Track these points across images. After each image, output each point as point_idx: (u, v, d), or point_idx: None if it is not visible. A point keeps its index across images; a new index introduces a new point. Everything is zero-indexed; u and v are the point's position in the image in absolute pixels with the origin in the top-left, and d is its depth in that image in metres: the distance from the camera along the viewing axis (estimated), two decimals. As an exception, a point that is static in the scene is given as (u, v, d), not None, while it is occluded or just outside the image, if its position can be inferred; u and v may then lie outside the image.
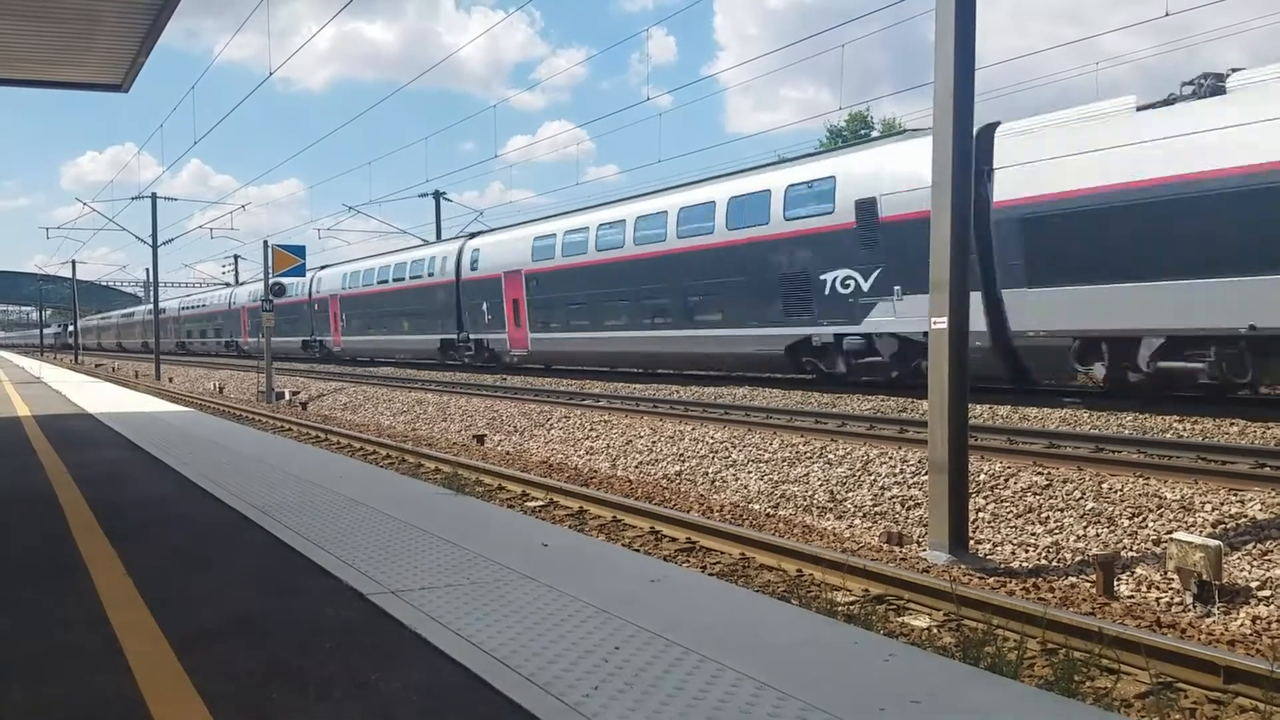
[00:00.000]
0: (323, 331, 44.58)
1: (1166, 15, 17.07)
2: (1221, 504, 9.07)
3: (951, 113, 8.91)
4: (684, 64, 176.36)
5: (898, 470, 11.87)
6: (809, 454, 13.27)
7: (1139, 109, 13.65)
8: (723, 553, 8.93)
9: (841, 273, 18.12)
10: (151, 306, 54.61)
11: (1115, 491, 9.80)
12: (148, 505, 6.91)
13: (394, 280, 37.75)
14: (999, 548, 9.53)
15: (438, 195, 49.11)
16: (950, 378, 8.93)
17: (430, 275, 34.44)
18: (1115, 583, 8.07)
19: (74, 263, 74.14)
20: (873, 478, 11.92)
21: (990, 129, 15.32)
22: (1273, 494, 9.06)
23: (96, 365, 60.64)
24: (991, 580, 8.12)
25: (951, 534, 8.78)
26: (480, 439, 18.99)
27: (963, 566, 8.49)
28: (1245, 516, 8.77)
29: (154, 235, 45.90)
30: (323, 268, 44.71)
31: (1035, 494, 10.25)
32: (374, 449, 17.09)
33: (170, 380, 42.30)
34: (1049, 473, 10.64)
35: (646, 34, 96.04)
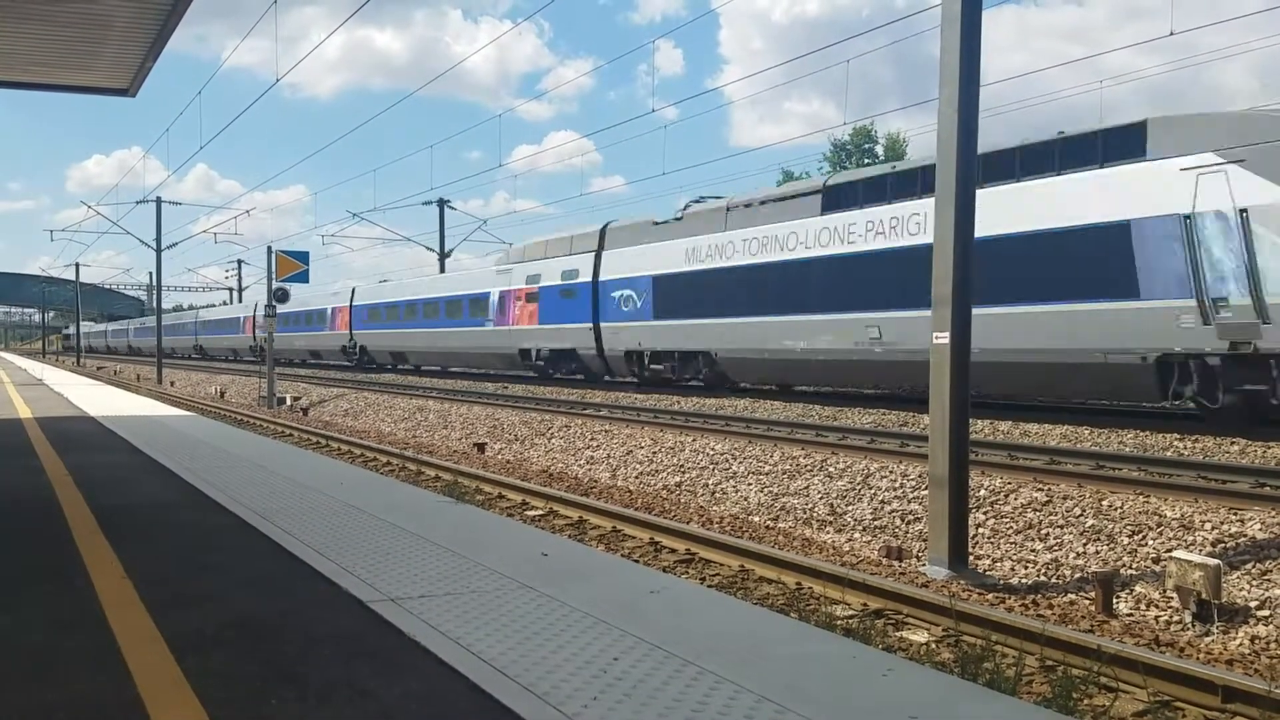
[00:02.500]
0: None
1: (1171, 34, 17.15)
2: (1221, 523, 9.07)
3: (956, 131, 8.93)
4: (690, 76, 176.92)
5: (898, 484, 11.87)
6: (809, 467, 13.27)
7: None
8: (722, 565, 8.93)
9: None
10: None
11: (1115, 509, 9.80)
12: (148, 509, 6.92)
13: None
14: (998, 563, 9.52)
15: (441, 203, 49.22)
16: (952, 393, 8.93)
17: None
18: (1114, 600, 8.07)
19: (77, 265, 74.41)
20: (873, 491, 11.92)
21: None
22: (1273, 514, 9.06)
23: (98, 368, 60.71)
24: (990, 596, 8.12)
25: (951, 549, 8.78)
26: (481, 447, 19.00)
27: (962, 582, 8.49)
28: (1245, 536, 8.77)
29: (158, 239, 46.00)
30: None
31: (1035, 510, 10.25)
32: (374, 455, 17.11)
33: (172, 384, 42.34)
34: (1049, 489, 10.64)
35: (654, 45, 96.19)
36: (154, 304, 59.21)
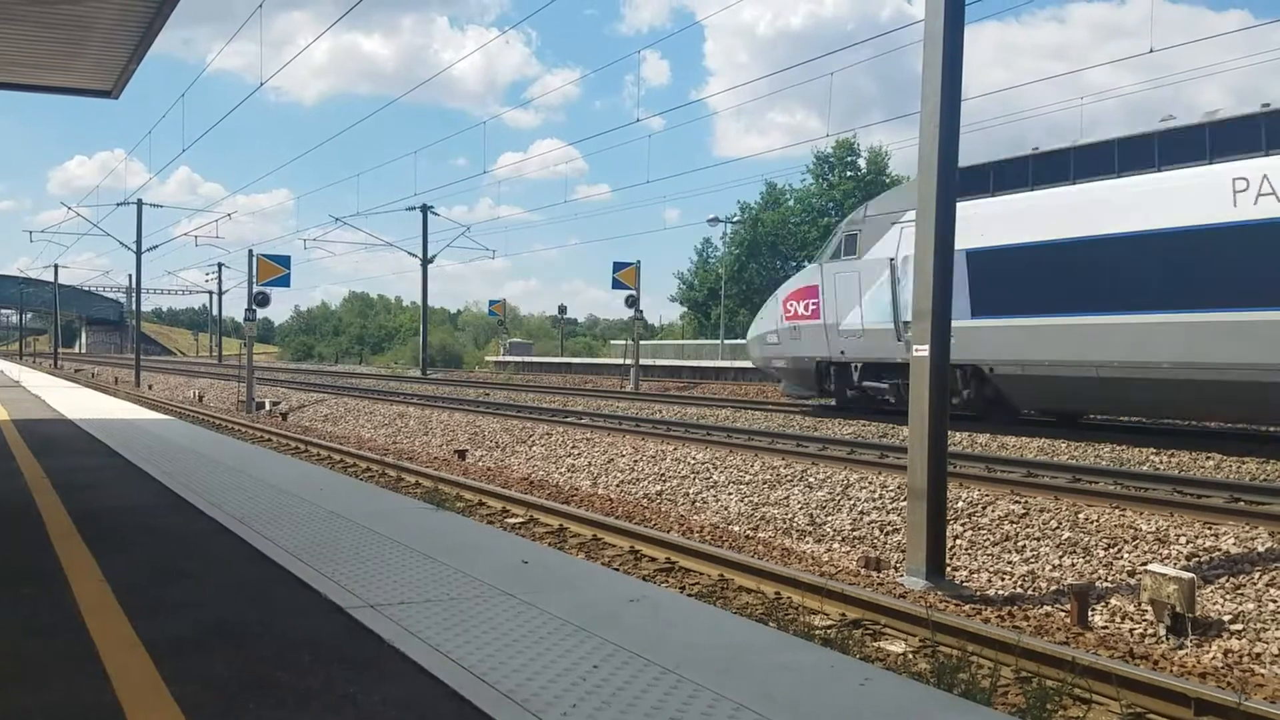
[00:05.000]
0: None
1: (1151, 51, 17.34)
2: (1196, 537, 9.16)
3: (937, 145, 9.02)
4: (676, 87, 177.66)
5: (877, 495, 11.92)
6: (790, 477, 13.31)
7: None
8: (702, 573, 8.95)
9: None
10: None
11: (1091, 522, 9.88)
12: (126, 513, 6.88)
13: None
14: (975, 575, 9.58)
15: (425, 209, 49.14)
16: (931, 405, 9.01)
17: None
18: (1089, 613, 8.13)
19: (56, 267, 73.85)
20: (852, 502, 11.97)
21: None
22: (1247, 528, 9.16)
23: (76, 370, 60.19)
24: (967, 607, 8.16)
25: (929, 560, 8.83)
26: (462, 454, 18.96)
27: (939, 593, 8.54)
28: (1219, 550, 8.86)
29: (138, 242, 45.75)
30: None
31: (1012, 522, 10.32)
32: (354, 462, 17.04)
33: (150, 387, 42.03)
34: (1026, 502, 10.72)
35: (641, 56, 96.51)
36: (134, 306, 58.79)
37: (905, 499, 9.93)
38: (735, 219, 60.84)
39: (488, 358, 65.75)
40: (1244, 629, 7.59)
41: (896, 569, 9.79)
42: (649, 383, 37.39)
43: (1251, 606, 7.83)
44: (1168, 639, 7.62)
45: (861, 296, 19.62)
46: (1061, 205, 15.79)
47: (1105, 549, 9.35)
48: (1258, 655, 7.25)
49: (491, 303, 67.82)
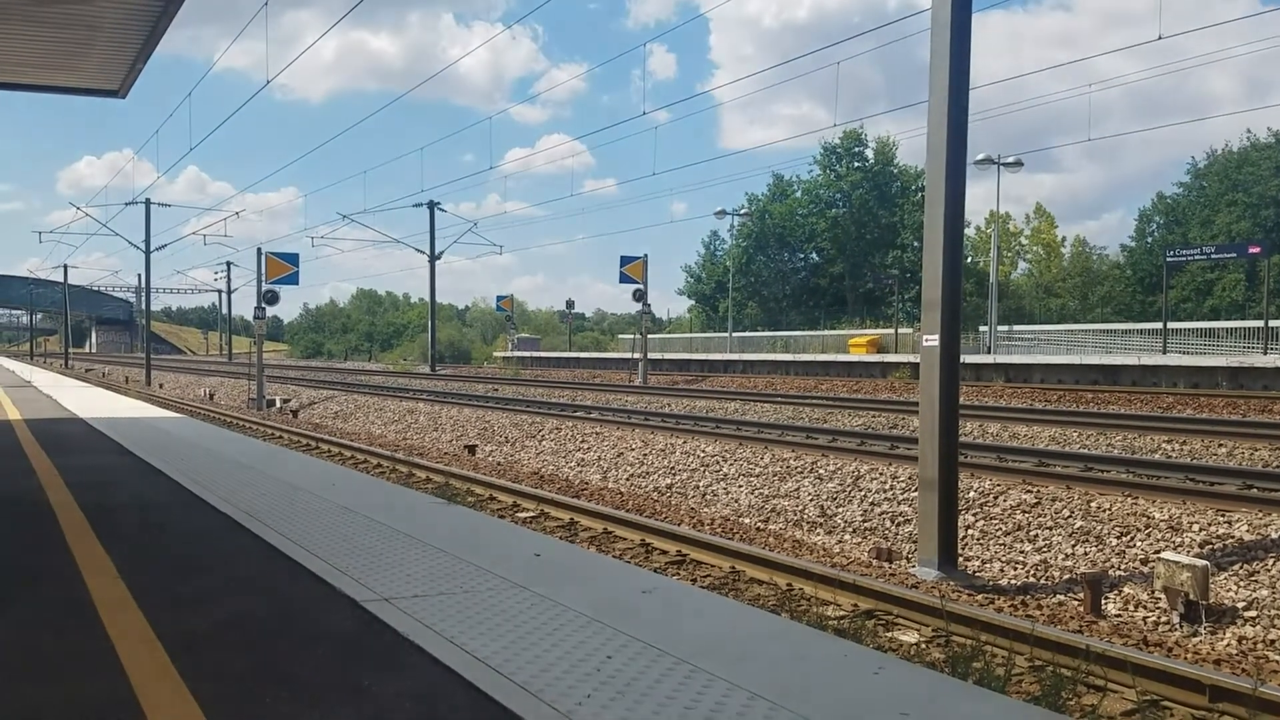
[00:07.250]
0: None
1: (1159, 38, 17.28)
2: (1209, 524, 9.13)
3: (945, 134, 8.99)
4: (682, 80, 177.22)
5: (888, 486, 11.91)
6: (800, 469, 13.31)
7: None
8: (713, 566, 8.95)
9: None
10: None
11: (1104, 510, 9.86)
12: (139, 509, 6.91)
13: None
14: (988, 565, 9.57)
15: (432, 205, 49.20)
16: (941, 395, 8.99)
17: None
18: (1103, 601, 8.12)
19: (65, 267, 74.16)
20: (863, 493, 11.96)
21: None
22: (1260, 515, 9.12)
23: (87, 370, 60.44)
24: (980, 597, 8.16)
25: (941, 550, 8.82)
26: (472, 449, 18.99)
27: (951, 583, 8.53)
28: (1232, 537, 8.83)
29: (147, 241, 45.88)
30: None
31: (1024, 512, 10.30)
32: (365, 457, 17.08)
33: (161, 386, 42.18)
34: (1038, 491, 10.70)
35: (647, 50, 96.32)
36: (143, 305, 59.05)
37: (916, 490, 9.92)
38: (742, 210, 60.74)
39: (496, 353, 65.91)
40: (1258, 615, 7.57)
41: (908, 560, 9.78)
42: (657, 376, 37.40)
43: (1265, 593, 7.80)
44: (1181, 626, 7.60)
45: None
46: None
47: (1118, 537, 9.33)
48: (1272, 642, 7.23)
49: (499, 298, 68.09)
